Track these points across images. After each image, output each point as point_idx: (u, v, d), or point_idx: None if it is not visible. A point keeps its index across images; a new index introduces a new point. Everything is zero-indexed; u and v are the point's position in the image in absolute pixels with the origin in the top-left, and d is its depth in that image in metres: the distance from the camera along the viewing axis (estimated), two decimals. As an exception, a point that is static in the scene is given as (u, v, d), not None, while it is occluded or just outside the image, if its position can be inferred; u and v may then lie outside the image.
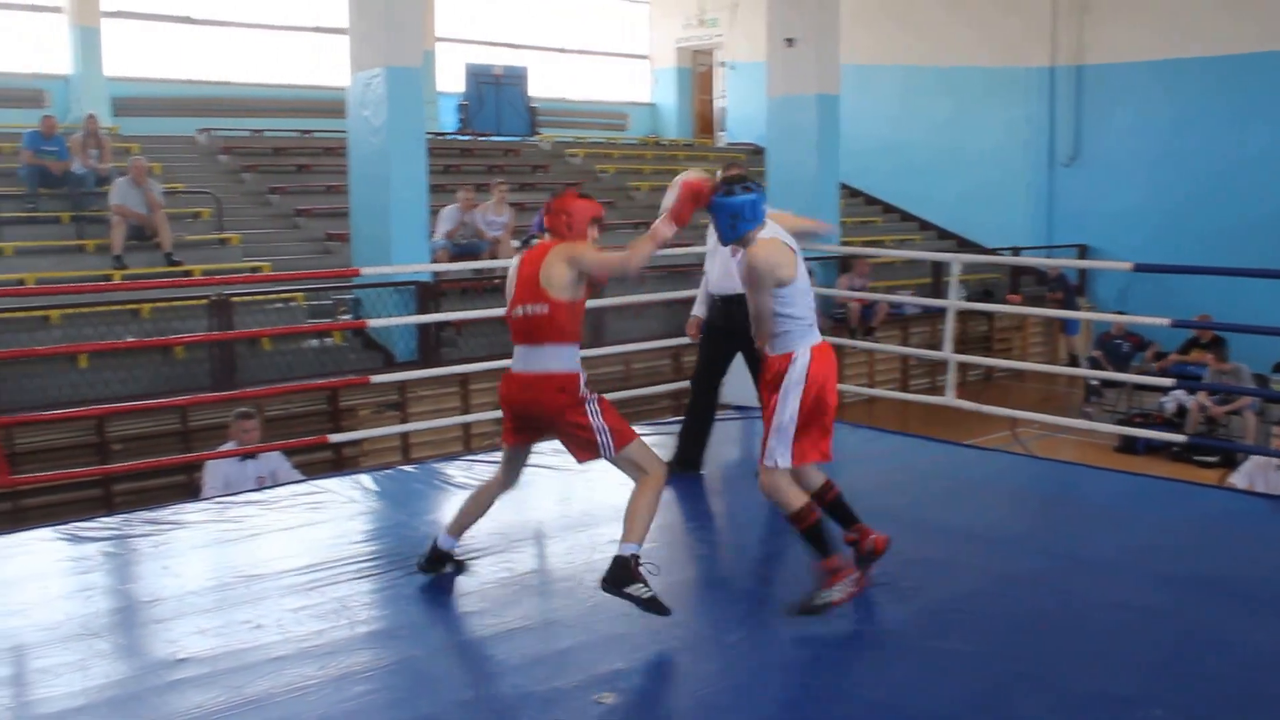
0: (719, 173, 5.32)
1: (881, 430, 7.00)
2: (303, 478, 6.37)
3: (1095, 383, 12.71)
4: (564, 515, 4.81)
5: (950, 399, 6.87)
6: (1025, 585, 4.14)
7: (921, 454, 6.26)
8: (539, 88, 18.15)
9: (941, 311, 7.64)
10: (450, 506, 5.05)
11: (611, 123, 20.38)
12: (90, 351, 8.47)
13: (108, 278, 9.69)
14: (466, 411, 9.41)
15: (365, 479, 5.60)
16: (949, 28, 16.97)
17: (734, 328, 5.01)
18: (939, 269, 13.71)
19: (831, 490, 4.06)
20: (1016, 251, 15.06)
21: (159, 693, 3.29)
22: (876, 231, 16.47)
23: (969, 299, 9.76)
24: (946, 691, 3.29)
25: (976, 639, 3.64)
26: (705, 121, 21.08)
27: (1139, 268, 6.99)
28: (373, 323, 8.50)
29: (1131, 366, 12.76)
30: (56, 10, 14.74)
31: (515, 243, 11.13)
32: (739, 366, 5.50)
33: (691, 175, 3.86)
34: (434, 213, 10.90)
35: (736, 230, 3.76)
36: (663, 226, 3.75)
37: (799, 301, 3.76)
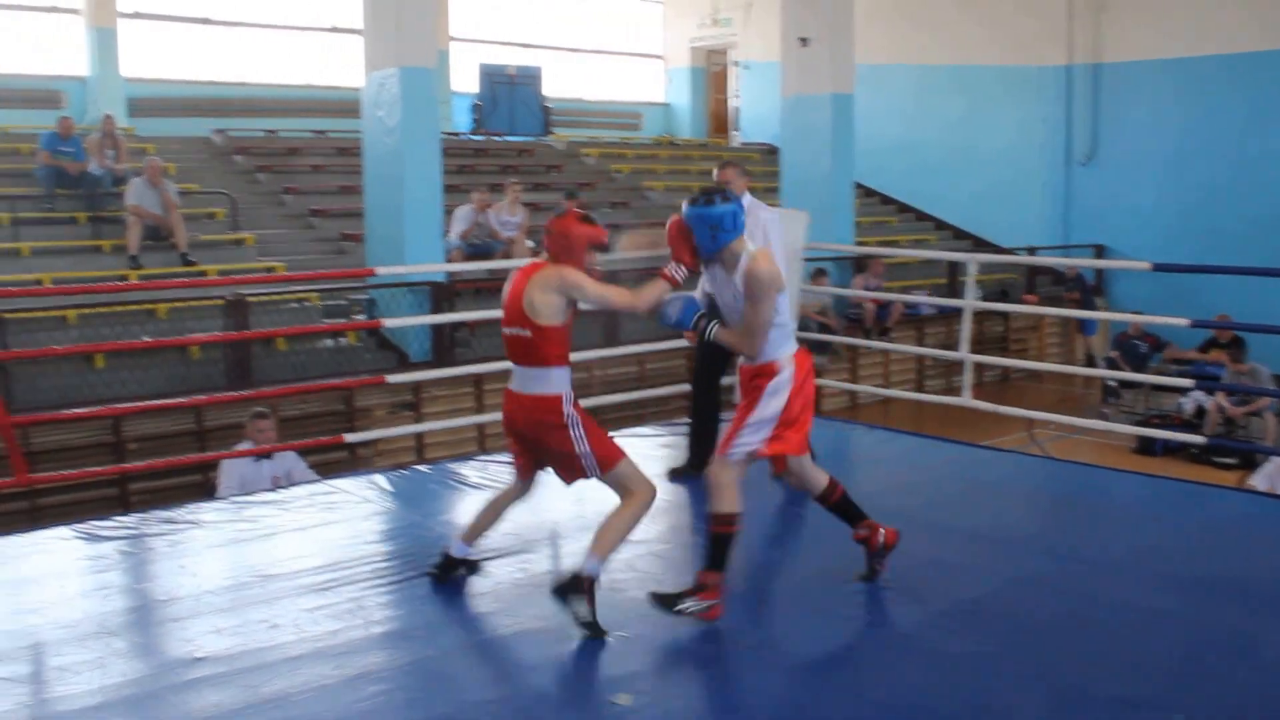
0: (715, 171, 5.32)
1: (896, 431, 6.99)
2: (318, 478, 6.39)
3: (1113, 383, 12.64)
4: (579, 516, 4.80)
5: (967, 399, 6.84)
6: (1040, 587, 4.12)
7: (936, 455, 6.24)
8: (553, 88, 18.17)
9: (957, 312, 7.62)
10: (464, 506, 5.07)
11: (625, 122, 20.38)
12: (106, 351, 8.51)
13: (124, 278, 9.74)
14: (480, 411, 9.41)
15: (380, 479, 5.61)
16: (963, 27, 16.91)
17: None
18: (955, 269, 13.65)
19: (837, 490, 4.05)
20: (1033, 251, 14.99)
21: (176, 691, 3.30)
22: (891, 231, 16.42)
23: (985, 299, 9.70)
24: (959, 693, 3.28)
25: (990, 641, 3.62)
26: (719, 121, 21.06)
27: (1158, 267, 6.94)
28: (388, 322, 8.52)
29: (1149, 367, 12.68)
30: (74, 12, 14.84)
31: (530, 243, 11.16)
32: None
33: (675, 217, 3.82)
34: (448, 213, 10.92)
35: (717, 241, 3.70)
36: (673, 272, 3.73)
37: (784, 309, 3.78)
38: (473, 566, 4.17)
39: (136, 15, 15.47)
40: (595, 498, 5.13)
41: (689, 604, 3.66)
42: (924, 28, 17.25)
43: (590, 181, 15.63)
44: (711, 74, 21.04)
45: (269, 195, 13.03)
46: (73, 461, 7.53)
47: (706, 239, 3.71)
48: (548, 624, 3.74)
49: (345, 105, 13.44)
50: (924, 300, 12.50)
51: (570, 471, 3.79)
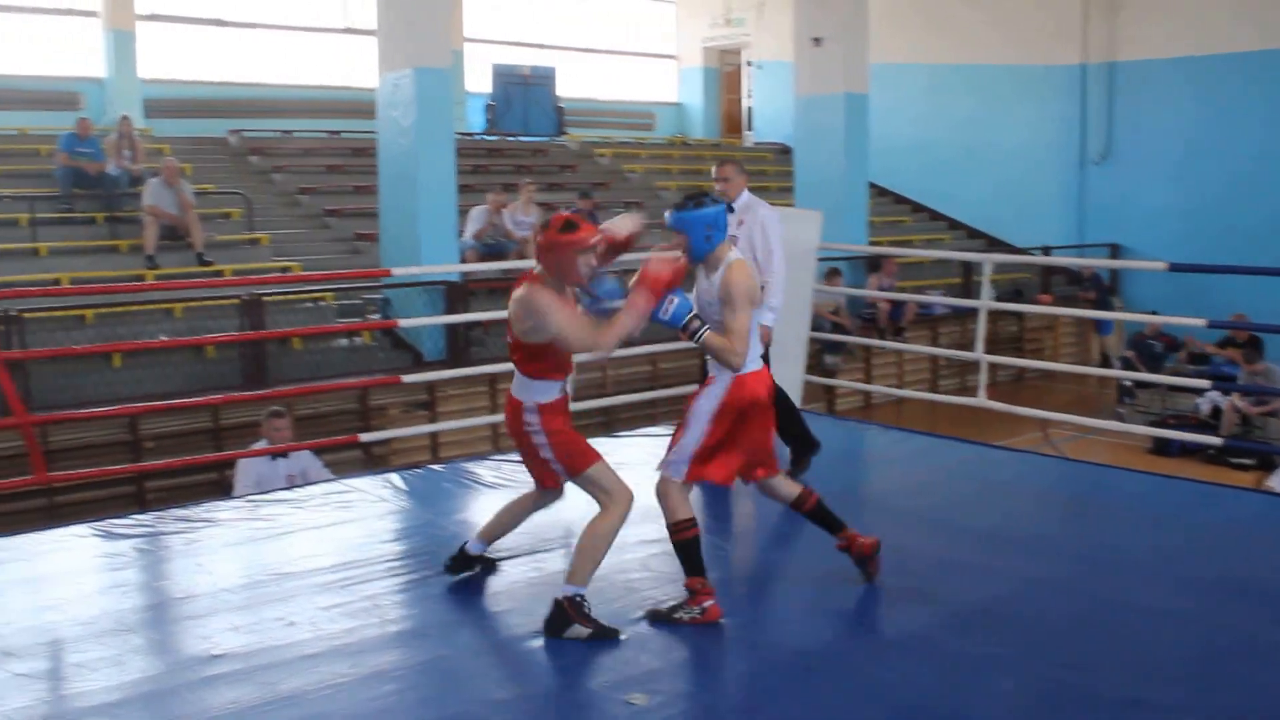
0: (713, 169, 5.32)
1: (910, 431, 6.97)
2: (333, 476, 6.40)
3: (1128, 383, 12.58)
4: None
5: (981, 400, 6.82)
6: (1055, 588, 4.10)
7: (950, 455, 6.22)
8: (566, 88, 18.19)
9: (970, 311, 7.60)
10: (478, 506, 5.08)
11: (639, 122, 20.38)
12: (124, 351, 8.57)
13: (141, 278, 9.81)
14: (494, 411, 9.43)
15: (395, 478, 5.63)
16: (977, 26, 16.85)
17: None
18: (969, 269, 13.61)
19: (811, 498, 4.01)
20: (1047, 251, 14.92)
21: (193, 688, 3.32)
22: (905, 231, 16.37)
23: (999, 299, 9.68)
24: (975, 696, 3.27)
25: (1006, 643, 3.61)
26: (732, 121, 21.04)
27: (1174, 268, 6.91)
28: (403, 322, 8.56)
29: (1165, 367, 12.61)
30: (91, 14, 14.93)
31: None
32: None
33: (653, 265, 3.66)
34: (463, 213, 10.95)
35: (711, 242, 3.70)
36: (642, 301, 3.54)
37: (752, 328, 3.76)
38: (489, 566, 4.18)
39: (153, 17, 15.56)
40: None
41: (685, 613, 3.68)
42: (938, 27, 17.20)
43: (604, 181, 15.64)
44: (724, 74, 21.02)
45: (284, 195, 13.09)
46: (90, 460, 7.59)
47: (701, 241, 3.71)
48: (562, 623, 3.74)
49: (360, 106, 13.49)
50: (938, 300, 12.47)
51: (544, 476, 3.80)
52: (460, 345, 9.94)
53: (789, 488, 4.01)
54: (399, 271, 8.40)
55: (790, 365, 7.22)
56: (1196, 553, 4.54)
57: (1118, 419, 11.30)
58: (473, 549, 4.11)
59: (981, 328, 6.88)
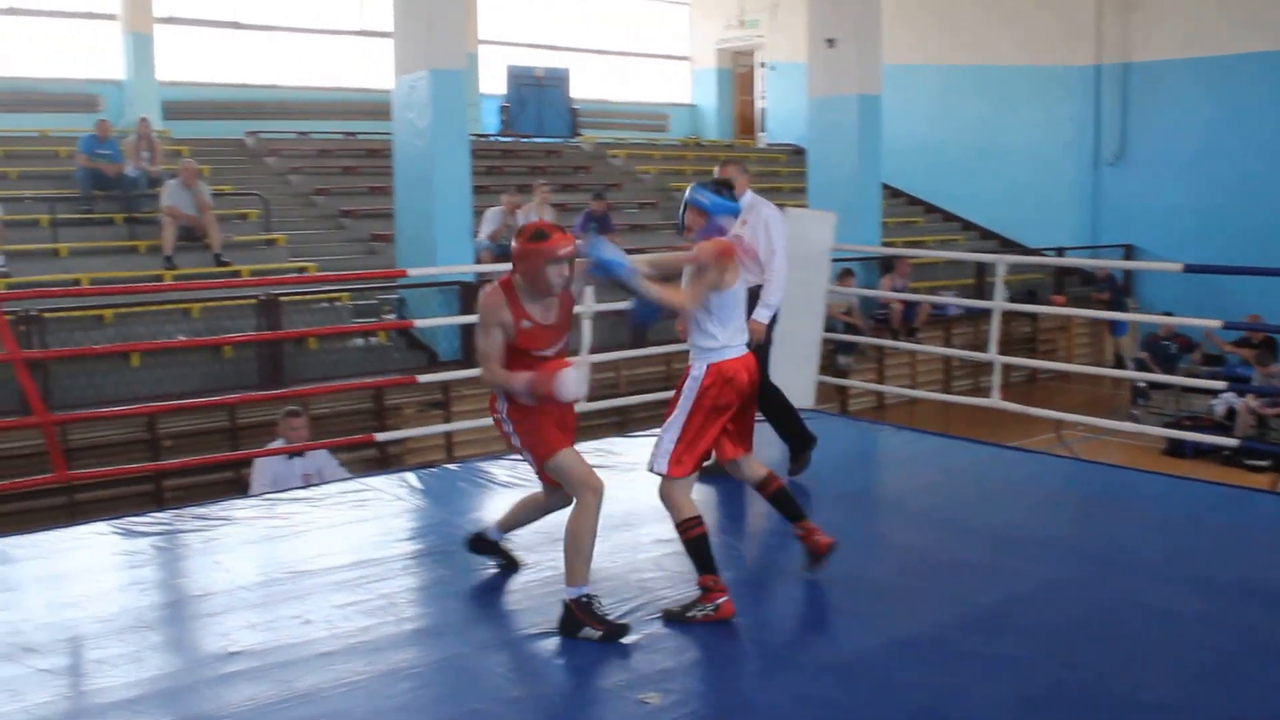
0: (716, 169, 5.35)
1: (923, 431, 6.96)
2: (349, 475, 6.44)
3: (1142, 385, 12.53)
4: (606, 515, 4.81)
5: (995, 400, 6.82)
6: (1068, 589, 4.10)
7: (963, 456, 6.21)
8: (580, 89, 18.23)
9: (984, 312, 7.59)
10: (493, 505, 5.11)
11: (652, 124, 20.41)
12: (142, 350, 8.65)
13: (159, 278, 9.89)
14: (508, 411, 9.46)
15: (410, 477, 5.66)
16: (991, 27, 16.82)
17: None
18: (982, 270, 13.58)
19: (774, 483, 4.08)
20: (1061, 252, 14.87)
21: (211, 685, 3.36)
22: (918, 232, 16.35)
23: (1012, 299, 9.65)
24: (989, 697, 3.28)
25: (1018, 643, 3.61)
26: (746, 122, 21.05)
27: (1189, 269, 6.89)
28: (419, 322, 8.61)
29: (1179, 368, 12.56)
30: (110, 18, 15.05)
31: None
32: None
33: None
34: (477, 214, 10.99)
35: (724, 233, 3.93)
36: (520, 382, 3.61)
37: (727, 321, 3.82)
38: (510, 562, 4.22)
39: (171, 20, 15.69)
40: (622, 497, 5.17)
41: (698, 610, 3.71)
42: (951, 28, 17.17)
43: (617, 182, 15.67)
44: (738, 75, 21.03)
45: (300, 196, 13.17)
46: (109, 458, 7.66)
47: (714, 228, 3.90)
48: (576, 621, 3.77)
49: (376, 107, 13.56)
50: (951, 301, 12.45)
51: (537, 471, 3.87)
52: (474, 345, 9.97)
53: (756, 469, 4.07)
54: (415, 272, 8.44)
55: (803, 366, 7.24)
56: (1210, 555, 4.53)
57: (1132, 420, 11.26)
58: (492, 535, 4.17)
59: (995, 328, 6.88)
